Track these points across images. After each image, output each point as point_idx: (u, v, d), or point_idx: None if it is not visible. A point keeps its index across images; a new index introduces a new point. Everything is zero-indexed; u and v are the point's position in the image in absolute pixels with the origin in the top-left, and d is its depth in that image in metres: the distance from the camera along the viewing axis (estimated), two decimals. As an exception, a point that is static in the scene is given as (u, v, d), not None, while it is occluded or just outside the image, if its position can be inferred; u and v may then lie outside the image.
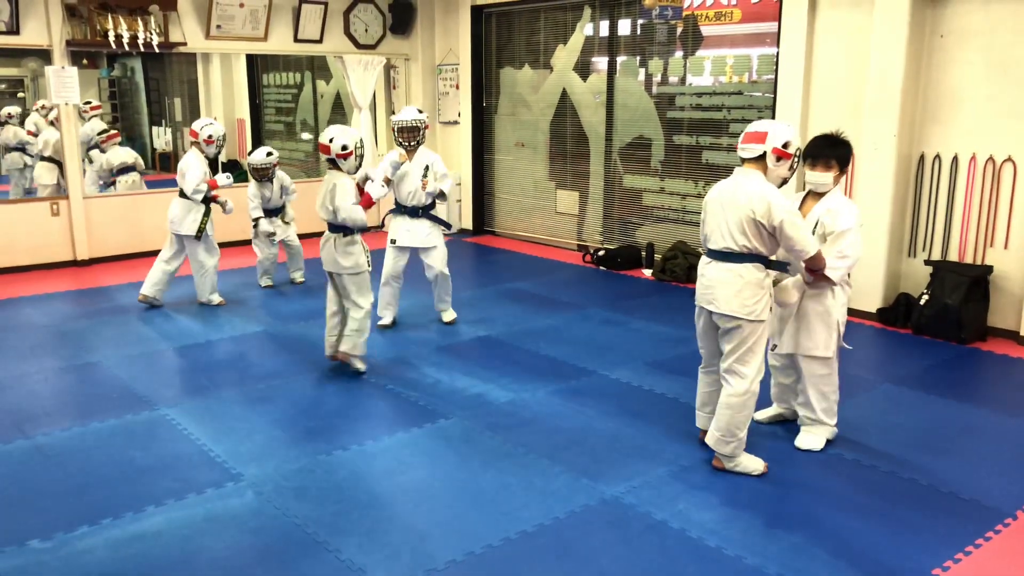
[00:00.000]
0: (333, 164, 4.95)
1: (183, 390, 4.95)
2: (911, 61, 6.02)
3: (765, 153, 3.59)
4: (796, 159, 3.64)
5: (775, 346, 4.16)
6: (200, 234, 6.44)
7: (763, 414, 4.45)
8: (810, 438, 4.15)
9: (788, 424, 4.40)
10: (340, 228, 4.94)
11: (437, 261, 5.93)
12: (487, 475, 3.86)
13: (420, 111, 5.87)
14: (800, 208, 4.03)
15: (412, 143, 5.75)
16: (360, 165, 5.07)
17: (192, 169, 6.38)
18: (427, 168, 5.79)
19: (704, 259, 3.76)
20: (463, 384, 5.01)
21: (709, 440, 3.81)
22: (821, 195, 3.99)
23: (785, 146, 3.59)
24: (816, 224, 3.91)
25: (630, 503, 3.60)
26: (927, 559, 3.19)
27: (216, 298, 6.72)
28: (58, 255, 8.16)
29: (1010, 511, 3.55)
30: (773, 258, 3.75)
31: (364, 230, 5.00)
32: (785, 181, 3.69)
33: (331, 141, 4.88)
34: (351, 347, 5.06)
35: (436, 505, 3.61)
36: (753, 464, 3.80)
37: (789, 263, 3.85)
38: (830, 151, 3.94)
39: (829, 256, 3.81)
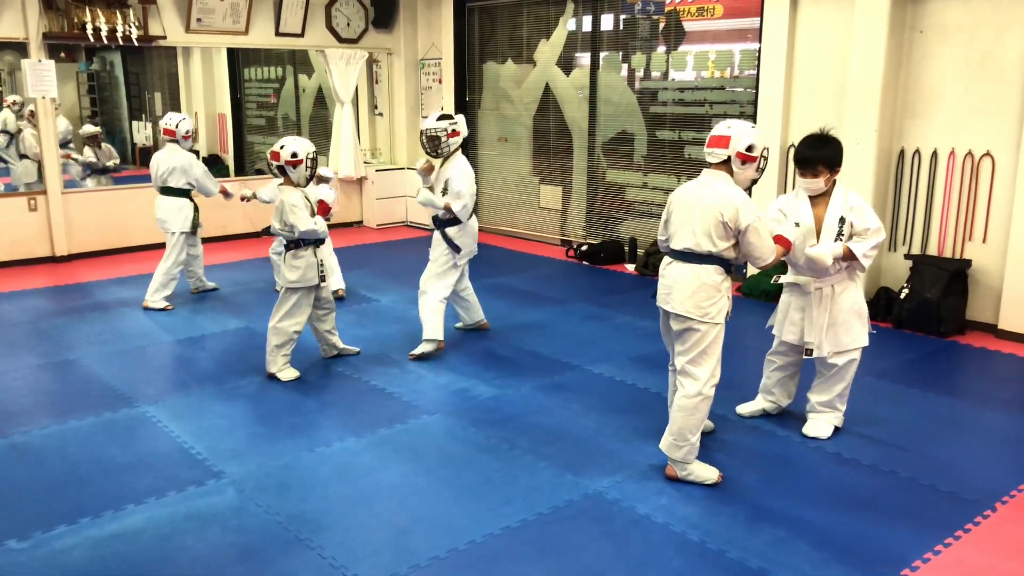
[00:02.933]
0: (283, 173, 4.86)
1: (163, 387, 4.91)
2: (891, 56, 6.05)
3: (730, 157, 3.56)
4: (763, 159, 3.60)
5: (810, 351, 4.08)
6: (195, 228, 6.44)
7: (747, 408, 4.47)
8: (818, 426, 4.21)
9: (771, 418, 4.43)
10: (290, 243, 4.86)
11: (423, 275, 5.49)
12: (470, 471, 3.86)
13: (445, 117, 5.31)
14: (814, 209, 4.00)
15: (435, 153, 5.31)
16: (311, 177, 4.92)
17: (197, 165, 6.41)
18: (447, 182, 5.29)
19: (666, 259, 3.74)
20: (446, 380, 4.99)
21: (662, 445, 3.75)
22: (824, 195, 3.99)
23: (749, 149, 3.54)
24: (841, 222, 3.94)
25: (614, 497, 3.60)
26: (908, 551, 3.22)
27: (162, 303, 6.42)
28: (36, 251, 8.06)
29: (989, 503, 3.58)
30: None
31: (321, 240, 4.94)
32: (754, 182, 3.68)
33: (282, 148, 4.83)
34: (268, 363, 5.00)
35: (419, 501, 3.60)
36: (706, 473, 3.71)
37: (743, 265, 3.82)
38: (813, 155, 3.94)
39: (862, 248, 3.91)
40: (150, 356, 5.48)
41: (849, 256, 3.94)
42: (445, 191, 5.31)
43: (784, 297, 4.26)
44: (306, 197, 4.92)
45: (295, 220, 4.77)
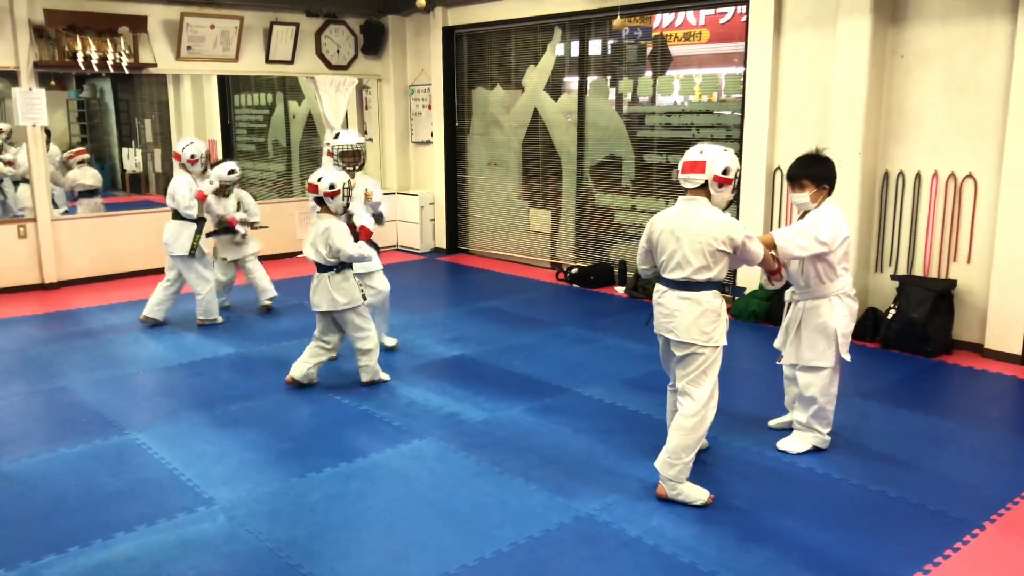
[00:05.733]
0: (321, 204, 5.06)
1: (153, 414, 4.89)
2: (873, 81, 6.15)
3: (707, 181, 3.63)
4: (738, 179, 3.70)
5: (781, 357, 4.33)
6: (193, 251, 6.47)
7: (777, 420, 4.54)
8: (792, 442, 4.29)
9: (762, 438, 4.45)
10: (331, 267, 5.05)
11: (381, 283, 5.75)
12: (462, 495, 3.86)
13: (363, 133, 5.78)
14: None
15: (356, 167, 5.65)
16: (348, 205, 5.16)
17: (180, 188, 6.42)
18: (366, 192, 5.66)
19: (659, 288, 3.78)
20: (437, 404, 5.00)
21: (657, 462, 3.78)
22: (810, 212, 4.15)
23: (724, 172, 3.62)
24: None
25: (604, 520, 3.61)
26: (898, 570, 3.23)
27: (220, 317, 6.77)
28: (25, 278, 8.04)
29: (978, 522, 3.61)
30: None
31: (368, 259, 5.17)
32: (731, 202, 3.79)
33: (319, 180, 5.04)
34: (371, 375, 5.27)
35: (411, 526, 3.59)
36: (696, 494, 3.72)
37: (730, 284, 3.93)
38: (802, 172, 4.11)
39: (782, 230, 4.02)
40: (140, 383, 5.47)
41: (771, 245, 3.97)
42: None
43: None
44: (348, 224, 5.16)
45: (343, 244, 4.97)
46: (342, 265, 5.06)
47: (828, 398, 4.20)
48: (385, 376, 5.34)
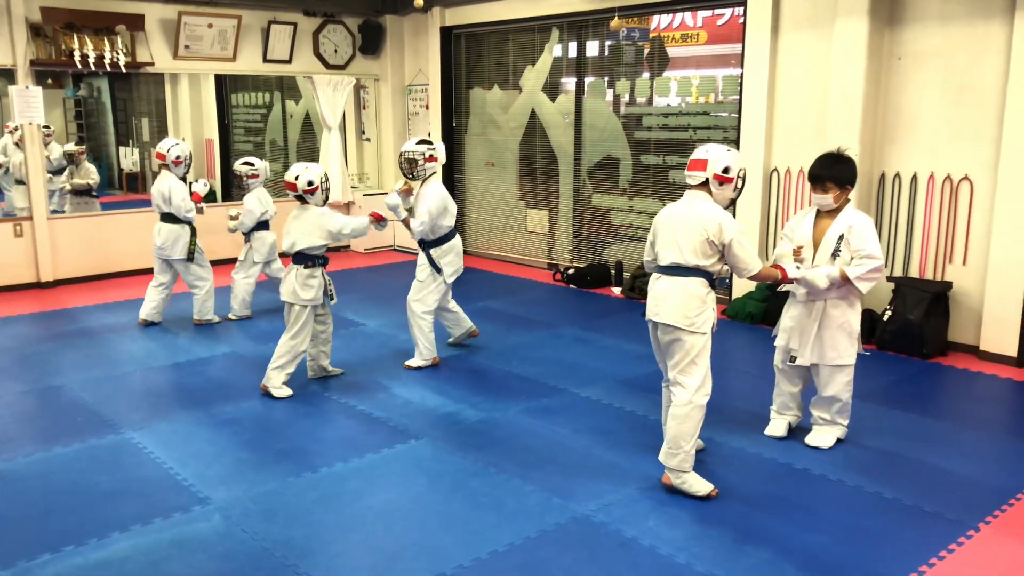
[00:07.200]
0: (301, 200, 5.07)
1: (149, 413, 4.88)
2: (870, 82, 6.16)
3: (708, 179, 3.76)
4: (740, 179, 3.80)
5: (794, 358, 4.30)
6: (191, 254, 6.46)
7: (777, 431, 4.49)
8: (822, 436, 4.36)
9: (758, 440, 4.45)
10: (303, 260, 5.04)
11: (409, 294, 5.64)
12: (458, 495, 3.86)
13: (425, 142, 5.51)
14: (815, 224, 4.22)
15: (411, 175, 5.49)
16: (327, 199, 5.15)
17: (176, 191, 6.35)
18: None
19: (655, 276, 3.90)
20: (434, 404, 5.00)
21: (660, 455, 3.86)
22: (834, 211, 4.17)
23: (725, 171, 3.74)
24: (840, 240, 4.11)
25: (601, 521, 3.61)
26: (892, 572, 3.24)
27: (216, 317, 6.77)
28: (21, 276, 8.02)
29: (972, 523, 3.61)
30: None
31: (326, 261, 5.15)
32: (733, 201, 3.87)
33: (296, 178, 5.01)
34: (266, 379, 5.11)
35: (407, 526, 3.59)
36: (699, 485, 3.78)
37: (727, 278, 4.01)
38: (825, 172, 4.14)
39: (856, 272, 4.06)
40: (136, 382, 5.46)
41: (846, 280, 4.08)
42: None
43: (786, 303, 4.42)
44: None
45: (342, 224, 5.02)
46: (314, 261, 5.02)
47: (849, 392, 4.29)
48: (282, 391, 5.07)
